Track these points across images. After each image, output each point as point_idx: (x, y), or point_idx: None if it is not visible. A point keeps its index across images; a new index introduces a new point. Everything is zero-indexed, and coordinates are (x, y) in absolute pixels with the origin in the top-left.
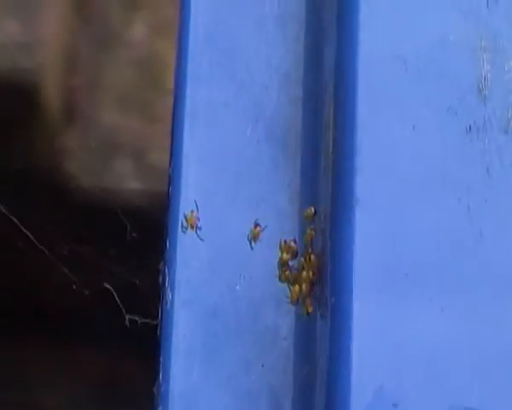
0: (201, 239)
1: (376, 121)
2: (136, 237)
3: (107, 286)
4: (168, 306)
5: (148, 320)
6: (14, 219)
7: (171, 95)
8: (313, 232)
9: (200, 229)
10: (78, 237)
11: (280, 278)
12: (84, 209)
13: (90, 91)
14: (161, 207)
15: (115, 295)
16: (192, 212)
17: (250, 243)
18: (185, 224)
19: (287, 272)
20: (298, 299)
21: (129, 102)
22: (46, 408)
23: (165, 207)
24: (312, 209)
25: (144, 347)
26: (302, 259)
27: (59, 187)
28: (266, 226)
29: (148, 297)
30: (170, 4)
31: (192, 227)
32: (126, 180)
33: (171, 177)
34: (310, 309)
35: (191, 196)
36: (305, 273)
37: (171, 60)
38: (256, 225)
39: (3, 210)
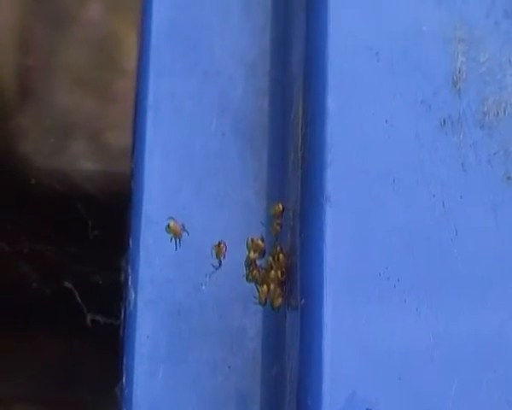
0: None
1: (348, 115)
2: (99, 234)
3: (68, 285)
4: (131, 306)
5: (110, 320)
6: None
7: (126, 75)
8: (278, 227)
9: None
10: (38, 234)
11: (247, 278)
12: (42, 203)
13: (44, 72)
14: (120, 193)
15: (76, 294)
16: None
17: (219, 261)
18: (170, 232)
19: (254, 272)
20: (266, 299)
21: (84, 83)
22: None
23: (127, 200)
24: (280, 206)
25: (106, 348)
26: (270, 258)
27: (13, 168)
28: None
29: (111, 297)
30: None
31: (177, 235)
32: (82, 161)
33: (134, 172)
34: (277, 303)
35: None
36: (273, 273)
37: (126, 39)
38: (219, 243)
39: None
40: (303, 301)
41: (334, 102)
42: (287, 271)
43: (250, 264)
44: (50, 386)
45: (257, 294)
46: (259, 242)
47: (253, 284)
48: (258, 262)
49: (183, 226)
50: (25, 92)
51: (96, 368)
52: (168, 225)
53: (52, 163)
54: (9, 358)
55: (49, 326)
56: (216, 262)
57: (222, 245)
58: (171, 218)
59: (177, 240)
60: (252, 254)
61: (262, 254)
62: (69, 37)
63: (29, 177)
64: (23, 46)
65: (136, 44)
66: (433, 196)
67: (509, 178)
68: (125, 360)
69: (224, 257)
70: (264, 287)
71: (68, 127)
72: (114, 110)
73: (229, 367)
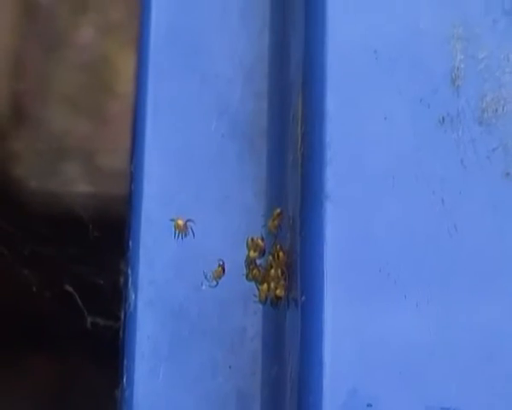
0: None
1: (347, 113)
2: (99, 236)
3: (69, 288)
4: (131, 307)
5: (110, 323)
6: None
7: (120, 97)
8: (277, 223)
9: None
10: (38, 238)
11: (247, 277)
12: (42, 210)
13: (38, 95)
14: (114, 209)
15: (77, 296)
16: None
17: (216, 282)
18: (176, 230)
19: (254, 271)
20: (266, 298)
21: (78, 105)
22: None
23: (127, 205)
24: (278, 211)
25: (107, 350)
26: (270, 256)
27: (7, 191)
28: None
29: (111, 299)
30: (118, 7)
31: (184, 234)
32: (76, 183)
33: (133, 174)
34: (280, 293)
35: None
36: (273, 271)
37: (119, 62)
38: (219, 266)
39: None
40: (303, 298)
41: (333, 100)
42: (287, 269)
43: (250, 263)
44: (48, 395)
45: (257, 293)
46: (259, 241)
47: (252, 284)
48: (258, 261)
49: (190, 224)
50: (19, 116)
51: (96, 371)
52: (175, 222)
53: (46, 186)
54: (6, 372)
55: (49, 330)
56: (213, 283)
57: (220, 269)
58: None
59: (182, 235)
60: (252, 253)
61: (262, 253)
62: (63, 60)
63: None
64: (17, 70)
65: (130, 66)
66: (433, 192)
67: (507, 174)
68: (125, 361)
69: (220, 281)
70: (265, 285)
71: (62, 150)
72: (108, 132)
73: (229, 367)
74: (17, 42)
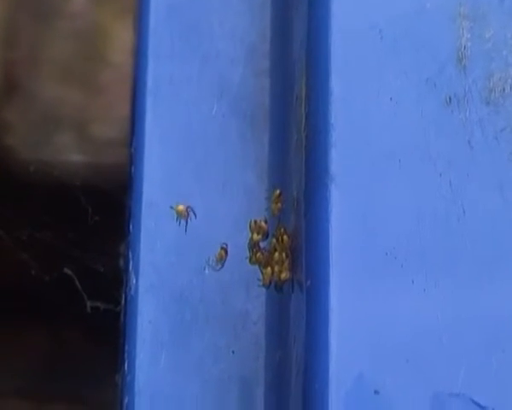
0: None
1: (351, 94)
2: (98, 219)
3: (68, 271)
4: (132, 291)
5: (110, 307)
6: None
7: (112, 66)
8: (280, 205)
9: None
10: (36, 221)
11: (250, 260)
12: (36, 182)
13: (30, 64)
14: (109, 181)
15: (76, 280)
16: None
17: (218, 265)
18: (177, 216)
19: (258, 254)
20: (270, 282)
21: (70, 75)
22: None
23: (126, 187)
24: (278, 192)
25: (107, 334)
26: (274, 240)
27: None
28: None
29: (111, 283)
30: None
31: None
32: (68, 153)
33: (134, 157)
34: (284, 276)
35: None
36: (277, 255)
37: (111, 31)
38: (223, 247)
39: None
40: (309, 282)
41: (338, 81)
42: (291, 253)
43: (253, 246)
44: (48, 376)
45: (261, 276)
46: (263, 223)
47: (255, 267)
48: (261, 244)
49: (190, 209)
50: (11, 86)
51: (96, 355)
52: (176, 208)
53: (39, 156)
54: (6, 350)
55: (48, 314)
56: (215, 267)
57: (223, 252)
58: (178, 202)
59: (186, 222)
60: (255, 236)
61: (265, 236)
62: (54, 30)
63: (24, 167)
64: (8, 40)
65: (124, 35)
66: (440, 174)
67: None
68: (126, 347)
69: (224, 264)
70: (269, 269)
71: (55, 120)
72: (101, 102)
73: (232, 352)
74: (9, 11)
